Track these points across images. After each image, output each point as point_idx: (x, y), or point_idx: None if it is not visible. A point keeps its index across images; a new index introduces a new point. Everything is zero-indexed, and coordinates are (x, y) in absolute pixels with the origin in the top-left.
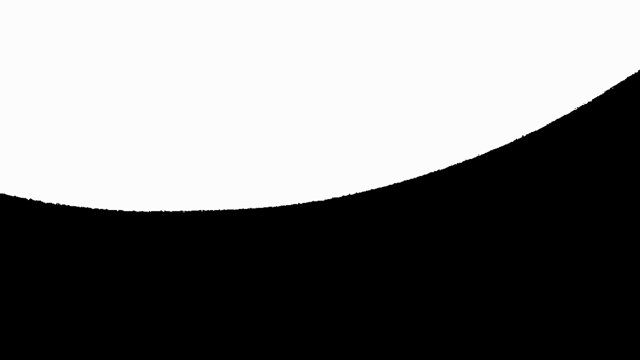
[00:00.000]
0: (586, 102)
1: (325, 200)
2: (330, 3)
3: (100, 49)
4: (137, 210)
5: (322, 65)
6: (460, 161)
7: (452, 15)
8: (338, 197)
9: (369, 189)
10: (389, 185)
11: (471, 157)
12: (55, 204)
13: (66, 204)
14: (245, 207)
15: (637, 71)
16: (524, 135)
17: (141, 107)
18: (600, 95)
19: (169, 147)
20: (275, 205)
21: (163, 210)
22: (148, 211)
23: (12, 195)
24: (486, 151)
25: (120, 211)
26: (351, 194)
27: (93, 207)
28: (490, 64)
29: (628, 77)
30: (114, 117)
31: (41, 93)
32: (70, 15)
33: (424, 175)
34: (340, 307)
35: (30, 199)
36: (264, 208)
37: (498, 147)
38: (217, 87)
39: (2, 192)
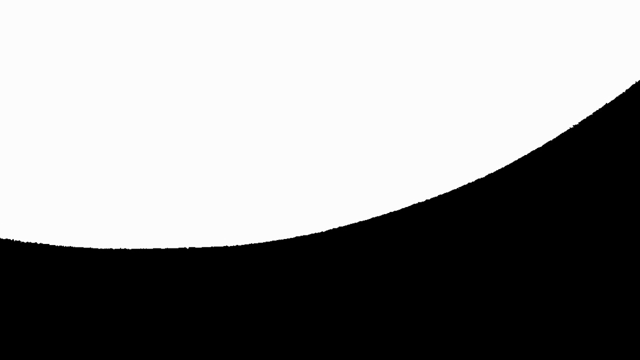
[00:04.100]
0: (589, 114)
1: (326, 231)
2: (333, 37)
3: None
4: (128, 248)
5: (323, 91)
6: (466, 183)
7: (460, 34)
8: (341, 226)
9: (378, 215)
10: (396, 211)
11: (473, 179)
12: (40, 243)
13: (56, 244)
14: (243, 243)
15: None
16: (525, 154)
17: (133, 142)
18: (602, 104)
19: (163, 182)
20: (273, 240)
21: (160, 248)
22: (139, 249)
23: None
24: (489, 172)
25: (110, 249)
26: (363, 220)
27: (86, 247)
28: (496, 81)
29: (630, 87)
30: (106, 150)
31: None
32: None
33: (425, 201)
34: (344, 342)
35: (11, 239)
36: (264, 243)
37: (501, 167)
38: (212, 122)
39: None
